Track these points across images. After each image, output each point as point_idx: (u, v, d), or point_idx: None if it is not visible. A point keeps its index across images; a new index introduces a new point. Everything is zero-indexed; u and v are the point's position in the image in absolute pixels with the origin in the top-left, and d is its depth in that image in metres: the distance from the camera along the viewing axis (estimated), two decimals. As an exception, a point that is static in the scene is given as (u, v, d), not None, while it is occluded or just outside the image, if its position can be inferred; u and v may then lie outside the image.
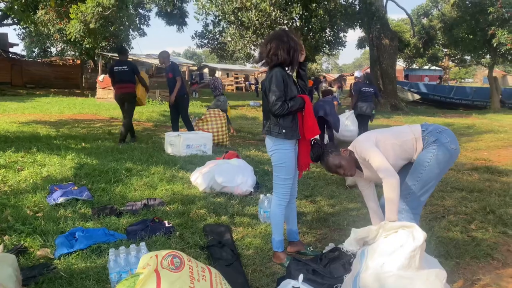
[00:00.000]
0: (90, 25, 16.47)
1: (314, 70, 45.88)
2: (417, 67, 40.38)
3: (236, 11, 14.47)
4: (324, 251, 2.92)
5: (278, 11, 13.90)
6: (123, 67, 7.28)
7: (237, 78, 38.53)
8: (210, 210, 3.98)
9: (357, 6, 18.98)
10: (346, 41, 17.67)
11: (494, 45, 18.32)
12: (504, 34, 17.48)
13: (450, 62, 37.73)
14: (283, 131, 2.78)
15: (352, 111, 8.77)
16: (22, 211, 3.69)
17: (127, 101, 7.38)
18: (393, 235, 2.11)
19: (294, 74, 3.00)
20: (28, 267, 2.73)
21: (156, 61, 23.05)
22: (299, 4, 14.31)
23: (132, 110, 7.54)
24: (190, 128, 7.80)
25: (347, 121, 9.03)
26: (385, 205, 2.51)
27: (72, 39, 18.12)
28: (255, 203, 4.16)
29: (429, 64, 36.86)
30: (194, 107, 16.43)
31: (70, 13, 17.03)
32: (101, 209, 3.86)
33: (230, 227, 3.60)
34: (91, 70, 27.93)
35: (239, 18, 14.55)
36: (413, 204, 2.72)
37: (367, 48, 24.74)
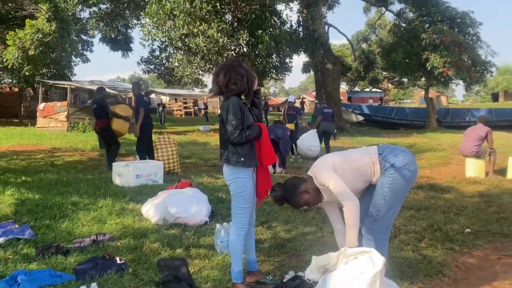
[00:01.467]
0: (29, 52, 15.74)
1: (262, 93, 46.68)
2: (359, 90, 42.34)
3: (183, 37, 14.42)
4: (284, 280, 2.90)
5: (226, 37, 14.03)
6: (94, 105, 8.07)
7: (185, 103, 38.24)
8: (164, 243, 3.83)
9: (301, 32, 19.74)
10: (292, 66, 18.15)
11: (428, 68, 19.58)
12: (436, 59, 18.77)
13: (390, 84, 40.02)
14: (242, 159, 2.76)
15: (315, 130, 9.80)
16: (-46, 256, 3.37)
17: (103, 134, 8.02)
18: (353, 261, 2.14)
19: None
20: (-37, 320, 2.48)
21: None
22: (245, 31, 14.57)
23: (112, 137, 8.02)
24: (151, 157, 7.63)
25: (311, 140, 9.62)
26: (346, 229, 2.53)
27: (9, 66, 17.20)
28: (211, 233, 4.06)
29: (370, 87, 38.72)
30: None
31: (6, 39, 16.23)
32: (46, 248, 3.60)
33: (186, 260, 3.47)
34: (30, 98, 26.55)
35: (187, 44, 14.51)
36: (381, 229, 2.79)
37: (312, 72, 25.62)
